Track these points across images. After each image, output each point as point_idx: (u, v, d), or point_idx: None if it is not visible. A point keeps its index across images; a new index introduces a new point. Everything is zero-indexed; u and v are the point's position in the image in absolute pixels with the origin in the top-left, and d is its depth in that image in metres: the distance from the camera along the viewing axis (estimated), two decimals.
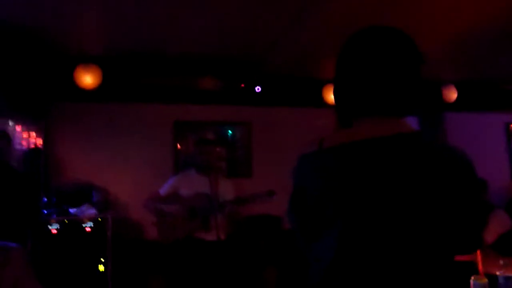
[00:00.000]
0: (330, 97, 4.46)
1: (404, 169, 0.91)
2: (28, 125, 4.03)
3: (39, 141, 4.10)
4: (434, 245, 0.91)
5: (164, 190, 3.19)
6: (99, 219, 3.72)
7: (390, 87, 0.96)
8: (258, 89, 4.26)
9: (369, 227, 0.92)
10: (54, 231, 3.59)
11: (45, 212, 3.74)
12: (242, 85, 4.28)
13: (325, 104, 4.38)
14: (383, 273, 0.91)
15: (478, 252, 1.99)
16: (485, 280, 1.84)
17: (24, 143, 4.01)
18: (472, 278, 1.84)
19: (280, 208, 3.48)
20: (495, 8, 3.07)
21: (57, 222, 3.63)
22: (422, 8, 3.00)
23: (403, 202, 0.90)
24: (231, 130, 4.64)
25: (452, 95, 4.73)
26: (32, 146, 4.02)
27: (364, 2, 2.90)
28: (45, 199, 3.86)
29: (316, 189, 0.99)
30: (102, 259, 3.64)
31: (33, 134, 4.07)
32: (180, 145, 4.47)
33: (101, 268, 3.62)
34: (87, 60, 3.78)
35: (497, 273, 2.02)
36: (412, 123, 1.04)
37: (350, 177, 0.95)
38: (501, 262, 2.06)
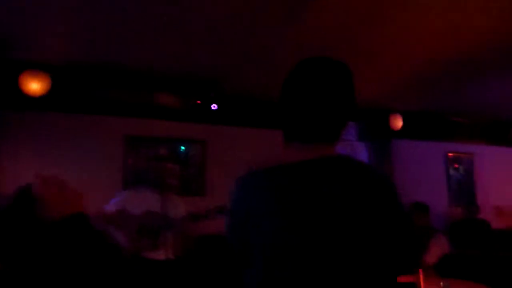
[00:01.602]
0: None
1: (334, 189, 0.96)
2: None
3: None
4: (368, 266, 0.93)
5: (110, 206, 3.04)
6: None
7: (325, 115, 1.03)
8: (214, 106, 4.26)
9: (296, 249, 0.93)
10: None
11: None
12: (198, 102, 4.26)
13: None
14: None
15: (420, 273, 2.08)
16: None
17: None
18: None
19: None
20: (442, 48, 3.31)
21: None
22: (374, 43, 3.17)
23: (334, 221, 0.93)
24: (185, 147, 4.57)
25: (398, 123, 5.01)
26: None
27: (319, 33, 3.02)
28: None
29: (247, 208, 1.01)
30: None
31: None
32: (131, 160, 4.32)
33: None
34: (35, 66, 3.60)
35: None
36: (361, 147, 1.11)
37: (281, 197, 0.97)
38: (441, 283, 2.16)
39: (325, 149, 1.03)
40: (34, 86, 3.54)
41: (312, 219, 0.93)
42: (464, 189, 5.88)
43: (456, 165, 5.94)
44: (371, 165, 1.09)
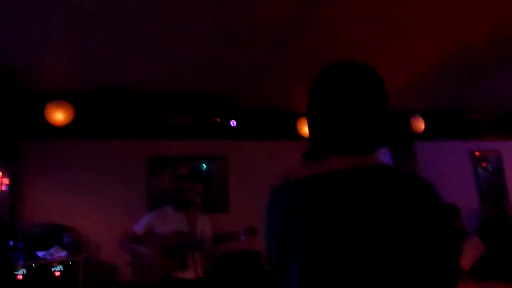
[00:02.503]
0: (304, 129, 4.54)
1: (371, 200, 0.90)
2: None
3: (6, 181, 3.92)
4: (409, 282, 0.87)
5: (139, 228, 3.08)
6: (70, 262, 3.54)
7: (358, 124, 0.96)
8: (233, 123, 4.29)
9: (334, 261, 0.89)
10: (20, 277, 3.38)
11: (10, 256, 3.53)
12: (218, 119, 4.30)
13: (300, 137, 4.44)
14: None
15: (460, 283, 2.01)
16: None
17: None
18: None
19: (258, 243, 3.44)
20: (458, 45, 3.27)
21: (23, 267, 3.43)
22: (391, 43, 3.15)
23: (373, 235, 0.87)
24: (206, 165, 4.60)
25: (420, 125, 4.91)
26: None
27: (336, 39, 3.02)
28: (11, 243, 3.65)
29: (282, 220, 0.97)
30: None
31: (0, 173, 3.91)
32: (154, 181, 4.38)
33: None
34: (58, 97, 3.72)
35: None
36: (384, 152, 1.06)
37: (313, 208, 0.93)
38: None
39: (363, 159, 0.97)
40: (59, 116, 3.65)
41: (350, 233, 0.89)
42: (494, 188, 5.71)
43: (484, 164, 5.78)
44: (415, 175, 1.01)
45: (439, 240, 0.89)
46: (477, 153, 5.75)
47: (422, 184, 0.94)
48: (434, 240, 0.89)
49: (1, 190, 3.84)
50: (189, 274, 2.92)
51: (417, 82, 4.04)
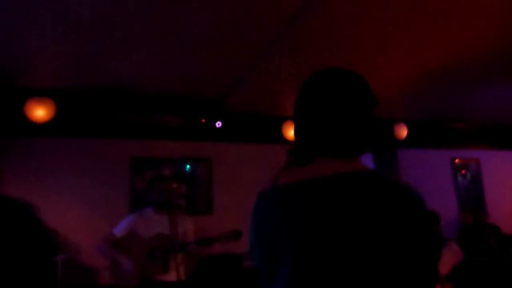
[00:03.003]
0: (289, 133, 4.56)
1: (357, 205, 0.92)
2: None
3: None
4: (390, 283, 0.89)
5: (119, 230, 3.02)
6: None
7: (345, 129, 0.98)
8: (218, 124, 4.27)
9: (320, 264, 0.90)
10: None
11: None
12: (203, 120, 4.27)
13: (285, 140, 4.46)
14: None
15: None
16: None
17: None
18: None
19: (241, 246, 3.42)
20: (444, 57, 3.34)
21: None
22: (375, 50, 3.19)
23: (356, 239, 0.89)
24: (191, 166, 4.57)
25: (403, 132, 5.00)
26: None
27: (322, 45, 3.04)
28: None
29: (270, 225, 0.98)
30: None
31: None
32: (137, 182, 4.32)
33: None
34: (40, 93, 3.64)
35: None
36: (366, 158, 1.08)
37: (301, 213, 0.94)
38: None
39: (348, 164, 0.99)
40: (40, 112, 3.57)
41: (338, 235, 0.90)
42: (472, 195, 5.84)
43: (463, 171, 5.91)
44: (399, 181, 1.03)
45: (419, 245, 0.91)
46: (457, 161, 5.88)
47: (406, 190, 0.96)
48: (414, 245, 0.91)
49: None
50: (170, 277, 2.88)
51: (402, 91, 4.11)
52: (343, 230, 0.90)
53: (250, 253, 1.07)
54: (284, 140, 4.46)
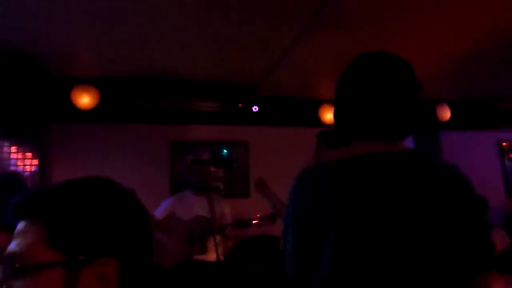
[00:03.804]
0: (326, 116, 4.50)
1: (404, 185, 0.91)
2: (24, 146, 4.01)
3: (35, 162, 4.07)
4: (438, 269, 0.87)
5: (160, 212, 3.14)
6: None
7: (389, 112, 0.98)
8: (255, 108, 4.29)
9: (364, 244, 0.89)
10: None
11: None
12: (240, 105, 4.31)
13: (321, 124, 4.41)
14: None
15: None
16: None
17: (20, 164, 3.98)
18: None
19: (277, 229, 3.45)
20: (489, 33, 3.15)
21: None
22: (417, 29, 3.07)
23: (402, 219, 0.88)
24: (228, 150, 4.64)
25: (446, 114, 4.79)
26: (28, 167, 3.99)
27: (360, 27, 2.96)
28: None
29: (312, 203, 0.97)
30: None
31: (29, 155, 4.05)
32: (177, 166, 4.45)
33: None
34: (84, 82, 3.81)
35: None
36: (407, 141, 1.06)
37: (345, 191, 0.93)
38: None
39: (391, 145, 0.99)
40: (85, 100, 3.73)
41: (378, 216, 0.89)
42: None
43: (511, 155, 5.61)
44: (445, 161, 1.01)
45: (472, 219, 0.91)
46: (504, 144, 5.57)
47: (455, 170, 0.95)
48: (467, 220, 0.90)
49: (31, 171, 3.98)
50: (209, 257, 2.98)
51: (445, 70, 3.93)
52: (395, 208, 0.89)
53: (282, 236, 1.05)
54: (320, 123, 4.41)
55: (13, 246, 0.59)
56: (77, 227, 0.60)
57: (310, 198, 0.97)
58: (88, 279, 0.58)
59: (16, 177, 3.75)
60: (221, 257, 3.00)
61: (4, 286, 0.59)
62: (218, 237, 2.98)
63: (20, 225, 0.61)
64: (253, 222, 2.96)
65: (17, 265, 0.58)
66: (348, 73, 1.05)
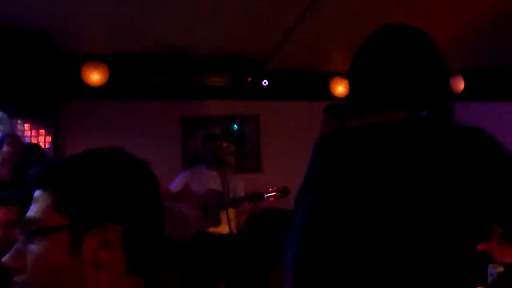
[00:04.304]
0: (337, 89, 4.45)
1: (430, 150, 0.90)
2: (37, 123, 4.06)
3: (48, 139, 4.12)
4: (455, 234, 0.87)
5: (174, 186, 3.21)
6: None
7: (409, 84, 0.98)
8: (265, 82, 4.26)
9: (362, 215, 0.89)
10: None
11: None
12: (249, 79, 4.27)
13: (332, 97, 4.37)
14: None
15: (494, 241, 1.98)
16: (502, 269, 1.84)
17: (34, 141, 4.04)
18: (489, 266, 1.84)
19: (289, 203, 3.46)
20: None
21: None
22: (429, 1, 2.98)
23: (424, 184, 0.87)
24: (239, 125, 4.64)
25: (460, 84, 4.69)
26: (41, 144, 4.05)
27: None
28: None
29: (331, 167, 0.98)
30: None
31: (42, 131, 4.10)
32: (188, 141, 4.48)
33: None
34: (94, 58, 3.80)
35: None
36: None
37: (367, 157, 0.94)
38: None
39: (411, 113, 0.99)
40: (95, 76, 3.74)
41: (378, 183, 0.90)
42: None
43: None
44: (461, 124, 0.98)
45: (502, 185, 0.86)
46: None
47: (482, 133, 0.92)
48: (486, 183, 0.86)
49: (45, 148, 4.05)
50: (223, 230, 3.04)
51: (459, 38, 3.82)
52: (408, 174, 0.88)
53: (296, 199, 1.06)
54: (332, 97, 4.37)
55: (28, 213, 0.64)
56: (81, 191, 0.62)
57: (328, 162, 0.98)
58: (92, 243, 0.60)
59: (37, 149, 3.83)
60: (234, 230, 3.06)
61: None
62: (231, 211, 3.03)
63: (35, 194, 0.64)
64: (266, 195, 3.00)
65: (29, 230, 0.62)
66: (366, 45, 1.05)
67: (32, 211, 0.63)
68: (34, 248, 0.61)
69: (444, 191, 0.87)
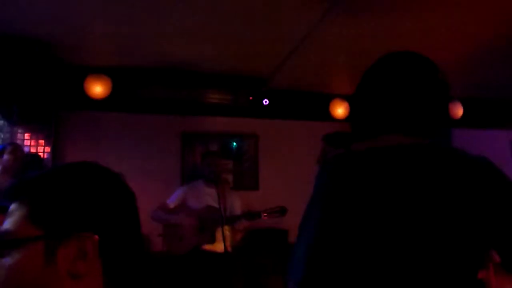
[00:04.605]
0: (337, 111, 4.48)
1: (438, 174, 0.92)
2: (37, 133, 4.07)
3: (47, 149, 4.13)
4: (460, 261, 0.89)
5: (172, 200, 3.20)
6: None
7: (416, 110, 1.00)
8: (265, 102, 4.30)
9: (386, 242, 0.89)
10: None
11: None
12: (251, 98, 4.31)
13: (332, 118, 4.40)
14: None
15: (491, 269, 1.97)
16: None
17: (33, 150, 4.04)
18: None
19: (286, 222, 3.46)
20: (507, 23, 3.10)
21: None
22: (431, 24, 3.03)
23: (431, 209, 0.89)
24: (238, 142, 4.65)
25: (458, 111, 4.74)
26: (40, 154, 4.05)
27: (371, 21, 2.93)
28: None
29: (330, 188, 0.97)
30: None
31: (41, 141, 4.11)
32: (187, 156, 4.49)
33: None
34: (98, 71, 3.84)
35: None
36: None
37: (376, 179, 0.94)
38: None
39: (418, 139, 1.01)
40: (98, 89, 3.77)
41: (401, 208, 0.90)
42: None
43: None
44: (466, 152, 1.01)
45: (495, 211, 0.89)
46: None
47: (486, 161, 0.96)
48: (489, 212, 0.89)
49: (44, 158, 4.05)
50: (218, 248, 3.02)
51: (459, 67, 3.88)
52: (418, 198, 0.90)
53: (301, 222, 1.03)
54: (331, 118, 4.40)
55: (3, 225, 0.64)
56: (55, 202, 0.63)
57: (342, 181, 0.97)
58: (67, 254, 0.61)
59: (35, 158, 3.84)
60: (229, 248, 3.03)
61: None
62: (227, 228, 3.01)
63: (11, 207, 0.66)
64: (263, 214, 2.99)
65: (3, 242, 0.62)
66: (373, 70, 1.07)
67: (7, 224, 0.64)
68: (8, 260, 0.61)
69: (449, 217, 0.89)
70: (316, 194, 1.01)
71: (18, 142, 3.95)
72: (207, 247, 3.04)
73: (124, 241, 0.68)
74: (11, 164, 2.97)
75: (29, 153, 3.90)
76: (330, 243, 0.93)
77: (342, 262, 0.91)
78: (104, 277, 0.64)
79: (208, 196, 3.08)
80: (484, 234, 0.89)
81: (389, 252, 0.90)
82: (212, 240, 3.03)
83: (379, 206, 0.92)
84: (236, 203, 3.22)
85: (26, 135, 4.06)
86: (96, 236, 0.62)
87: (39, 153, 4.04)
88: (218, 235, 2.99)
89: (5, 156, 2.99)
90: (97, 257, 0.63)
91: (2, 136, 3.93)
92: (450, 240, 0.88)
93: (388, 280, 0.89)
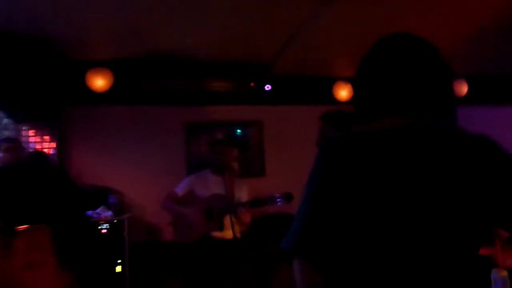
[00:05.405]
0: (340, 94, 4.46)
1: (433, 153, 0.93)
2: (42, 129, 4.09)
3: (52, 145, 4.15)
4: (460, 238, 0.89)
5: (180, 189, 3.23)
6: (115, 221, 3.77)
7: (416, 90, 1.00)
8: (268, 87, 4.27)
9: (384, 220, 0.91)
10: None
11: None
12: (252, 84, 4.29)
13: (336, 101, 4.38)
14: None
15: (498, 245, 1.98)
16: (505, 273, 1.83)
17: (38, 147, 4.07)
18: (493, 271, 1.84)
19: (292, 208, 3.45)
20: (508, 2, 3.04)
21: None
22: (434, 2, 2.98)
23: (432, 189, 0.90)
24: (242, 130, 4.65)
25: (463, 89, 4.70)
26: (46, 150, 4.08)
27: (372, 3, 2.88)
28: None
29: (333, 172, 0.98)
30: (119, 260, 3.68)
31: (47, 138, 4.13)
32: (192, 146, 4.50)
33: (119, 269, 3.67)
34: (99, 64, 3.83)
35: None
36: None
37: (375, 158, 0.95)
38: None
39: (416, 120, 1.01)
40: (99, 82, 3.77)
41: (399, 186, 0.92)
42: None
43: None
44: (465, 130, 1.01)
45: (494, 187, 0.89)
46: None
47: (485, 139, 0.95)
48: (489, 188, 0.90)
49: (49, 154, 4.08)
50: (226, 235, 3.05)
51: (463, 43, 3.82)
52: (418, 180, 0.91)
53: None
54: (335, 101, 4.38)
55: None
56: (10, 197, 0.69)
57: (341, 162, 0.98)
58: (23, 245, 0.67)
59: (40, 155, 3.87)
60: (238, 235, 3.06)
61: None
62: (234, 216, 3.03)
63: None
64: (269, 201, 3.00)
65: None
66: (375, 52, 1.07)
67: None
68: None
69: (448, 196, 0.89)
70: (315, 172, 1.02)
71: (23, 139, 3.98)
72: (216, 234, 3.08)
73: (74, 229, 0.75)
74: (4, 162, 3.00)
75: (34, 151, 3.93)
76: (325, 213, 0.95)
77: (336, 232, 0.94)
78: (58, 263, 0.70)
79: (215, 185, 3.10)
80: (483, 211, 0.90)
81: (383, 226, 0.91)
82: (221, 228, 3.06)
83: (376, 184, 0.93)
84: (243, 191, 3.24)
85: (31, 132, 4.08)
86: (49, 228, 0.69)
87: (45, 150, 4.07)
88: (226, 222, 3.02)
89: (1, 153, 3.03)
90: (50, 246, 0.69)
91: (7, 134, 3.95)
92: (444, 214, 0.89)
93: (382, 254, 0.91)
